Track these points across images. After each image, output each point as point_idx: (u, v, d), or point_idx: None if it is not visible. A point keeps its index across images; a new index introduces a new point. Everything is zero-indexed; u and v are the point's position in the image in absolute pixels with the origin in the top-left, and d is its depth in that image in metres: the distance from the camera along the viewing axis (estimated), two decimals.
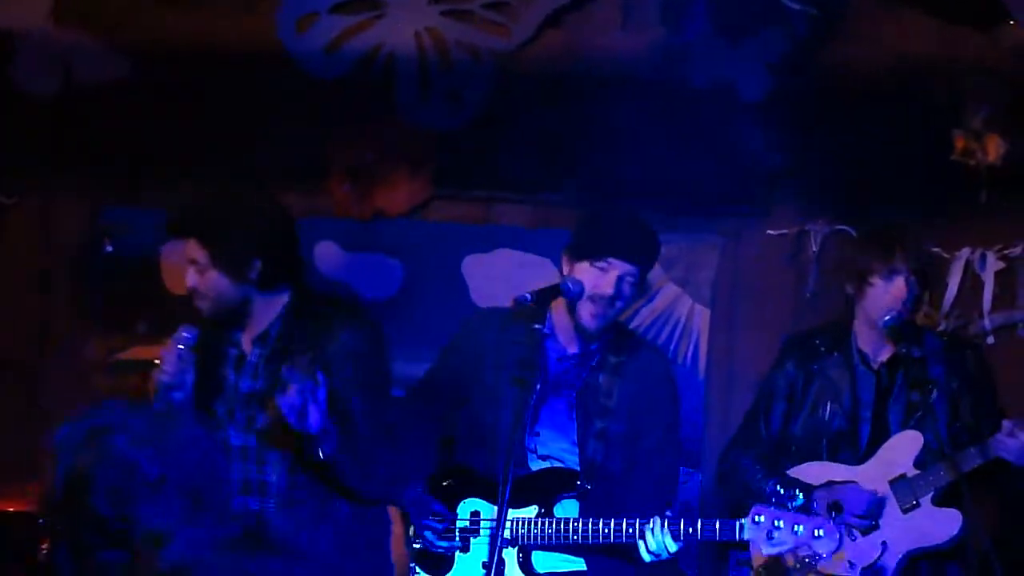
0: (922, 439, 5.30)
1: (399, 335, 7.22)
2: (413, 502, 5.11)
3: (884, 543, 5.29)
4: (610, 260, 5.05)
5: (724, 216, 7.07)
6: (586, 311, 5.06)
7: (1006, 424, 5.21)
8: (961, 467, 5.15)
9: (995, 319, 6.84)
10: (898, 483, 5.31)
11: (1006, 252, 6.88)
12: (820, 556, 4.68)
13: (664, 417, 5.17)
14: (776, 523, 4.62)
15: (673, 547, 4.78)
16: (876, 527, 5.31)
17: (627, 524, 4.82)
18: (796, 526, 4.61)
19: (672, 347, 7.19)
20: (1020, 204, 6.78)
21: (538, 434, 5.15)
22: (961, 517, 5.24)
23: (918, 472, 5.29)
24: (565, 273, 5.10)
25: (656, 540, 4.77)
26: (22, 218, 7.17)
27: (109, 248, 7.15)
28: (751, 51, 6.75)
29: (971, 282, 6.89)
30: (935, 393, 5.26)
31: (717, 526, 4.76)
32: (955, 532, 5.27)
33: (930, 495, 5.28)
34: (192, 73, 7.02)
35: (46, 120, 7.13)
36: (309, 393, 4.45)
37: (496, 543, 4.54)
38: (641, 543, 4.81)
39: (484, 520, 5.06)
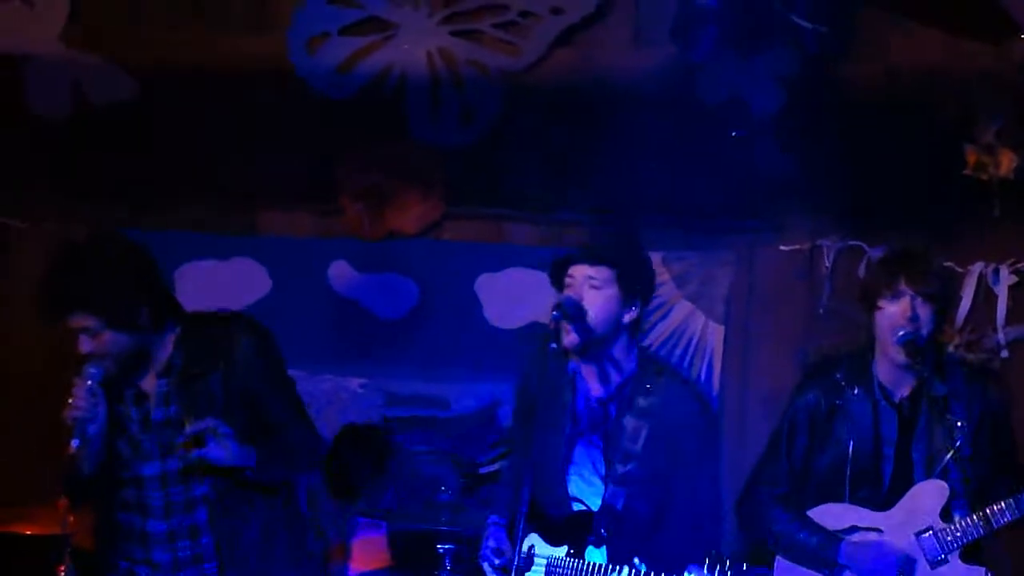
0: (948, 490, 5.21)
1: (413, 355, 7.26)
2: (485, 532, 5.16)
3: None
4: (570, 271, 5.03)
5: (736, 232, 7.07)
6: (565, 331, 5.00)
7: None
8: (994, 523, 5.09)
9: (1009, 333, 6.83)
10: (926, 538, 5.23)
11: (1019, 266, 6.87)
12: None
13: (696, 457, 5.09)
14: None
15: None
16: None
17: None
18: None
19: (686, 364, 7.18)
20: None
21: (572, 475, 5.14)
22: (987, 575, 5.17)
23: (945, 526, 5.21)
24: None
25: None
26: (35, 242, 7.17)
27: None
28: (761, 68, 6.75)
29: (985, 296, 6.89)
30: (960, 436, 5.21)
31: None
32: None
33: (958, 552, 5.21)
34: (204, 94, 7.04)
35: (59, 143, 7.15)
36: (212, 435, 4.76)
37: None
38: None
39: (537, 556, 5.06)
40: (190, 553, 4.95)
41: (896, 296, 5.23)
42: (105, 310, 4.74)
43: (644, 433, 5.00)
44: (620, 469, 5.01)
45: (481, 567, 5.15)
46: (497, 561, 5.08)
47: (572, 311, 4.95)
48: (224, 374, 4.88)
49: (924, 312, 5.22)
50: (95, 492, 4.94)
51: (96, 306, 4.74)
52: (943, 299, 5.34)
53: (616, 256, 5.03)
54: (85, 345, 4.79)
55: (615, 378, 5.07)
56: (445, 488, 6.16)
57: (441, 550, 5.94)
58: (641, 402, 5.03)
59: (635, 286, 5.06)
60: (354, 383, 7.15)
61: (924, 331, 5.23)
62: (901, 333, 5.22)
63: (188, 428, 4.79)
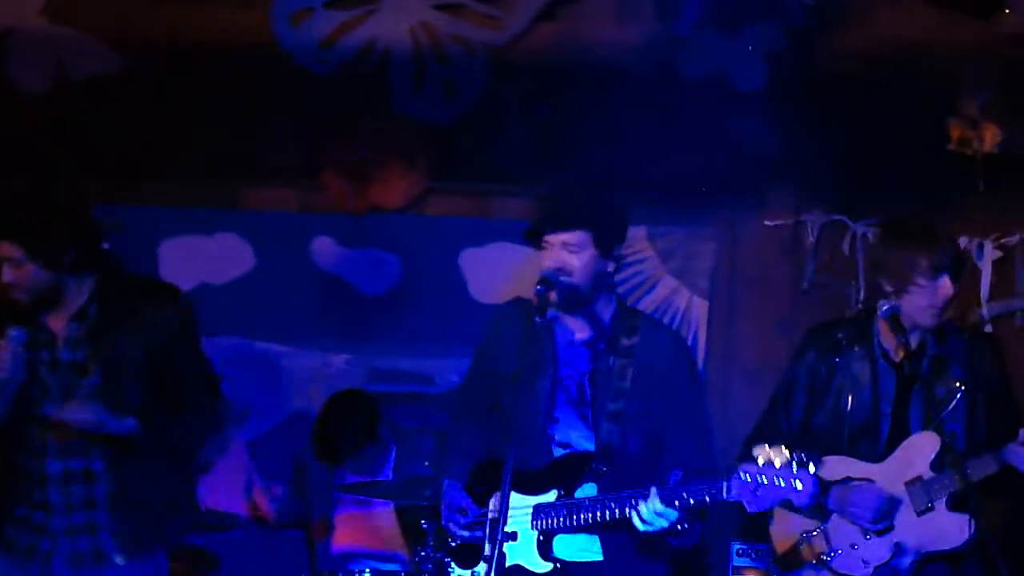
0: (939, 441, 5.25)
1: (397, 330, 7.26)
2: (443, 498, 5.14)
3: (897, 544, 5.26)
4: (546, 238, 5.03)
5: (720, 207, 7.08)
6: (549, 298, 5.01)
7: (1022, 433, 5.17)
8: (972, 475, 5.11)
9: (993, 307, 6.85)
10: (914, 485, 5.27)
11: (1003, 241, 6.88)
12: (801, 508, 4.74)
13: (686, 386, 5.11)
14: (760, 479, 4.63)
15: (672, 515, 4.75)
16: (891, 528, 5.29)
17: (628, 496, 4.81)
18: (777, 479, 4.61)
19: None
20: (1017, 193, 6.78)
21: (556, 420, 5.14)
22: (972, 523, 5.20)
23: (933, 475, 5.26)
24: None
25: (648, 509, 4.75)
26: None
27: (106, 245, 7.12)
28: (746, 41, 6.75)
29: (969, 271, 6.88)
30: (956, 396, 5.24)
31: (705, 489, 4.75)
32: (964, 539, 5.23)
33: (944, 499, 5.25)
34: (186, 68, 7.03)
35: (41, 117, 7.12)
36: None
37: (497, 535, 4.54)
38: (634, 513, 4.79)
39: (512, 509, 5.04)
40: (84, 497, 5.04)
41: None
42: (32, 243, 4.92)
43: (631, 371, 5.03)
44: (612, 406, 5.04)
45: (448, 530, 5.13)
46: (463, 519, 5.07)
47: (557, 283, 4.96)
48: (141, 336, 5.04)
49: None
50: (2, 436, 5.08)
51: (24, 238, 4.92)
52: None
53: (588, 216, 5.04)
54: (7, 275, 4.96)
55: (598, 323, 5.10)
56: (428, 463, 6.15)
57: (424, 525, 5.93)
58: (624, 342, 5.07)
59: (611, 240, 5.07)
60: (339, 359, 7.14)
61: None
62: (885, 308, 5.23)
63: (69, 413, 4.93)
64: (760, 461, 4.62)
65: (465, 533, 5.07)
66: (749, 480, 4.62)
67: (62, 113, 7.13)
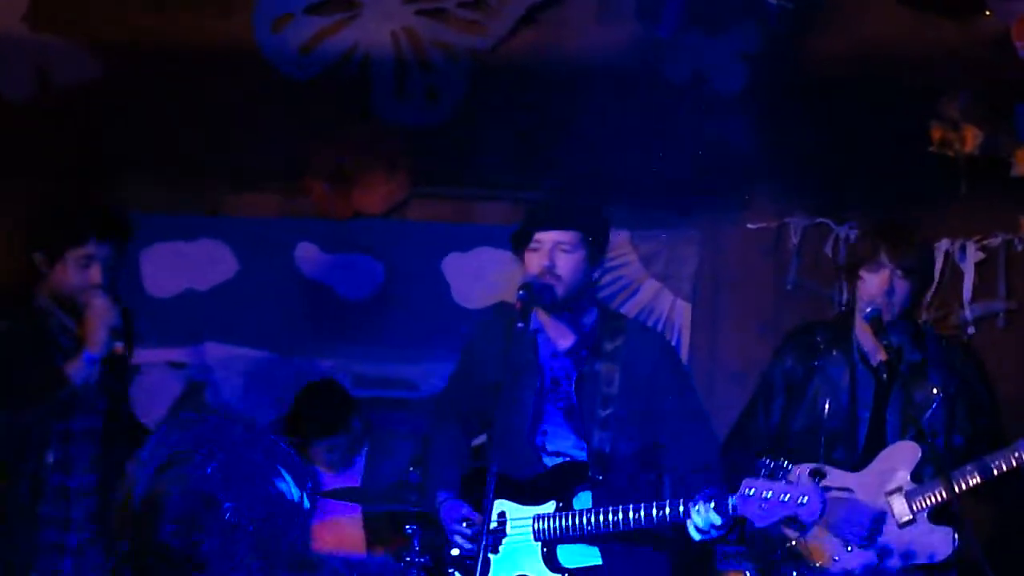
0: (920, 451, 5.25)
1: (380, 336, 7.24)
2: (444, 509, 5.13)
3: (879, 556, 5.26)
4: (538, 238, 5.03)
5: (703, 210, 7.08)
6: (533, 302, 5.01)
7: None
8: (958, 487, 5.11)
9: (976, 309, 6.85)
10: (895, 497, 5.27)
11: (985, 242, 6.89)
12: (807, 526, 4.74)
13: (675, 386, 5.12)
14: (765, 494, 4.64)
15: (718, 521, 4.77)
16: (873, 540, 5.28)
17: (670, 506, 4.83)
18: (783, 495, 4.62)
19: None
20: (998, 194, 6.79)
21: (545, 432, 5.13)
22: (955, 535, 5.20)
23: (915, 486, 5.25)
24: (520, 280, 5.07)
25: (703, 520, 4.77)
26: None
27: None
28: (727, 44, 6.75)
29: (951, 273, 6.90)
30: (935, 402, 5.25)
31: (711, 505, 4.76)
32: (949, 551, 5.23)
33: (927, 511, 5.25)
34: (167, 75, 7.00)
35: (22, 124, 7.10)
36: None
37: (482, 543, 4.55)
38: (689, 523, 4.81)
39: (512, 520, 5.05)
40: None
41: (876, 268, 5.26)
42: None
43: (617, 376, 5.03)
44: (601, 413, 5.03)
45: (452, 543, 5.12)
46: (469, 531, 5.05)
47: (539, 292, 4.96)
48: None
49: (901, 287, 5.26)
50: None
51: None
52: (922, 274, 5.38)
53: (581, 218, 5.05)
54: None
55: (580, 330, 5.10)
56: (413, 468, 6.14)
57: (409, 531, 5.92)
58: (608, 346, 5.07)
59: (600, 245, 5.09)
60: (322, 365, 7.12)
61: (898, 306, 5.25)
62: (868, 310, 5.24)
63: None
64: (765, 475, 4.64)
65: (470, 545, 5.05)
66: (753, 494, 4.63)
67: (44, 120, 7.11)
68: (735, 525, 4.84)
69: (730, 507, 4.71)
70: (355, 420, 6.66)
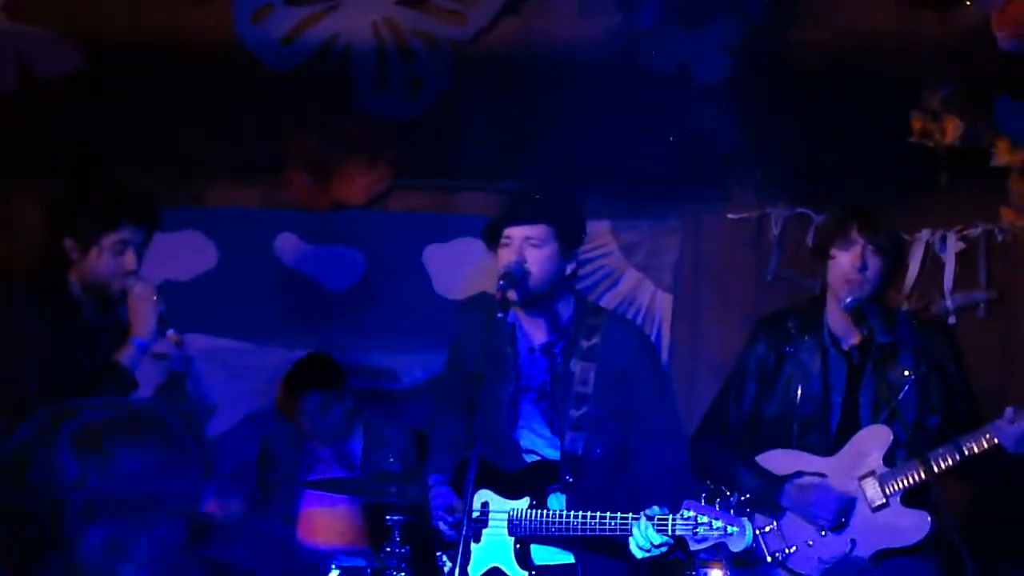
0: (891, 434, 5.26)
1: (361, 326, 7.23)
2: (432, 494, 5.13)
3: (853, 540, 5.27)
4: (507, 233, 4.99)
5: (684, 201, 7.07)
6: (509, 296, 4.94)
7: (1008, 411, 5.17)
8: (932, 468, 5.11)
9: (956, 299, 6.85)
10: (867, 481, 5.27)
11: (966, 233, 6.89)
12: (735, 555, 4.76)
13: (649, 386, 5.07)
14: (700, 518, 4.65)
15: (658, 540, 4.74)
16: (845, 524, 5.29)
17: (615, 519, 4.81)
18: (715, 521, 4.63)
19: None
20: (979, 184, 6.80)
21: (522, 428, 5.11)
22: (929, 519, 5.20)
23: (887, 470, 5.26)
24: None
25: (644, 537, 4.73)
26: None
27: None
28: (708, 35, 6.75)
29: (932, 263, 6.91)
30: (907, 384, 5.26)
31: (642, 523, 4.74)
32: (924, 534, 5.23)
33: (899, 495, 5.25)
34: (147, 66, 7.00)
35: (3, 116, 7.08)
36: None
37: (463, 535, 4.54)
38: (631, 540, 4.78)
39: (492, 512, 5.05)
40: None
41: (848, 245, 5.26)
42: None
43: (592, 375, 4.99)
44: (575, 413, 5.00)
45: (436, 528, 5.12)
46: (451, 518, 5.05)
47: (520, 279, 4.93)
48: None
49: (874, 264, 5.25)
50: None
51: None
52: (893, 255, 5.37)
53: (552, 211, 5.01)
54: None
55: (557, 325, 5.06)
56: (393, 459, 6.13)
57: (390, 521, 5.91)
58: (584, 344, 5.02)
59: (572, 238, 5.04)
60: (303, 355, 7.11)
61: (872, 282, 5.25)
62: (848, 300, 5.24)
63: None
64: (703, 501, 4.64)
65: (453, 532, 5.05)
66: (689, 517, 4.64)
67: (24, 111, 7.09)
68: (675, 545, 4.81)
69: (669, 527, 4.68)
70: (348, 393, 6.64)
